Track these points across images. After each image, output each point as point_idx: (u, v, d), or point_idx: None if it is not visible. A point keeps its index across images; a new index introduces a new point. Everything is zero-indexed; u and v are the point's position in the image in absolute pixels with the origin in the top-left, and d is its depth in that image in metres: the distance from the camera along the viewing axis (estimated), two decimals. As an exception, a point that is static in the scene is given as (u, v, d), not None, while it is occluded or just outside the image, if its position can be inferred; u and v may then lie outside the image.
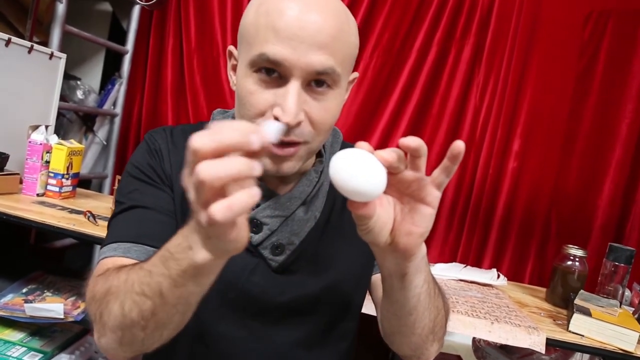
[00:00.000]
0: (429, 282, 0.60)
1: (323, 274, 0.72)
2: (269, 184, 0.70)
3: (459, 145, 0.47)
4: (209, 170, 0.36)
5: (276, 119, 0.59)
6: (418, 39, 1.97)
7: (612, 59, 1.85)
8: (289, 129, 0.59)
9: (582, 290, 1.24)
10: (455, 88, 1.97)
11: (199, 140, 0.37)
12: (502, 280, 1.40)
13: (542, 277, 1.90)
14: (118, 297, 0.52)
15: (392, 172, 0.48)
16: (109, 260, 0.63)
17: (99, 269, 0.62)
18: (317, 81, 0.60)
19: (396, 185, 0.51)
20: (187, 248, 0.45)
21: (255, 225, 0.68)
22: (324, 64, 0.59)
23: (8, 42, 1.38)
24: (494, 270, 1.47)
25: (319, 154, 0.76)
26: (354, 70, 0.69)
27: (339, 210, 0.75)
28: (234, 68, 0.69)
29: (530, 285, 1.66)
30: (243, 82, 0.62)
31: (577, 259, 1.30)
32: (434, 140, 1.98)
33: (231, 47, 0.69)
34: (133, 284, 0.51)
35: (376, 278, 0.77)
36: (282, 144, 0.61)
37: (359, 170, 0.45)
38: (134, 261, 0.61)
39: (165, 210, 0.67)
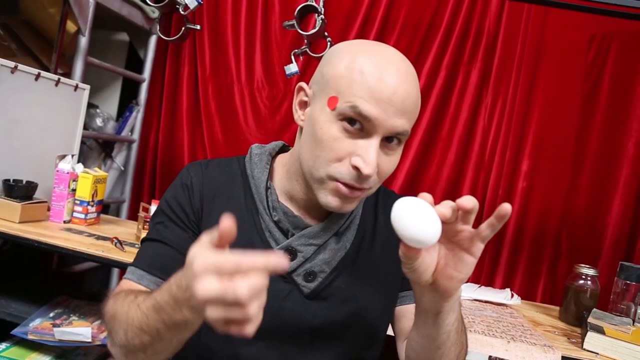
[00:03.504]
0: (459, 321, 0.65)
1: (351, 302, 0.76)
2: (304, 217, 0.76)
3: (506, 208, 0.52)
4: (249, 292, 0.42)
5: (355, 167, 0.65)
6: (427, 63, 2.03)
7: (617, 79, 1.90)
8: (364, 177, 0.65)
9: (595, 309, 1.27)
10: (464, 111, 2.02)
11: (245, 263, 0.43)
12: (516, 300, 1.43)
13: (554, 295, 1.92)
14: (122, 326, 0.62)
15: (444, 222, 0.53)
16: (126, 283, 0.74)
17: (119, 287, 0.73)
18: (389, 137, 0.67)
19: (446, 233, 0.55)
20: (178, 308, 0.52)
21: (290, 253, 0.73)
22: (404, 127, 0.66)
23: (37, 77, 1.46)
24: (508, 289, 1.49)
25: None
26: None
27: (368, 243, 0.80)
28: (302, 104, 0.74)
29: (543, 303, 1.68)
30: (327, 126, 0.67)
31: (589, 278, 1.33)
32: (444, 162, 2.03)
33: (303, 84, 0.74)
34: (133, 320, 0.60)
35: (399, 310, 0.82)
36: (353, 187, 0.67)
37: (419, 220, 0.51)
38: (143, 288, 0.72)
39: (180, 249, 0.73)
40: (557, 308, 1.44)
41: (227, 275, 0.43)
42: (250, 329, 0.44)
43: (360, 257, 0.78)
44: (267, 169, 0.79)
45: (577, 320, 1.32)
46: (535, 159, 1.96)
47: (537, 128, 1.96)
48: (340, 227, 0.77)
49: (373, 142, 0.65)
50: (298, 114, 0.74)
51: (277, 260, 0.44)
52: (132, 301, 0.63)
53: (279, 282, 0.73)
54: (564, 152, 1.95)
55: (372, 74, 0.64)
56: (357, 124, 0.65)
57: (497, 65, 1.98)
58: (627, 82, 1.89)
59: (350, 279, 0.76)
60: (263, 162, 0.80)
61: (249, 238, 0.75)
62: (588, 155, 1.94)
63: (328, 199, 0.69)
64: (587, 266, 1.34)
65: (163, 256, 0.74)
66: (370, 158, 0.64)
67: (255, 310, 0.44)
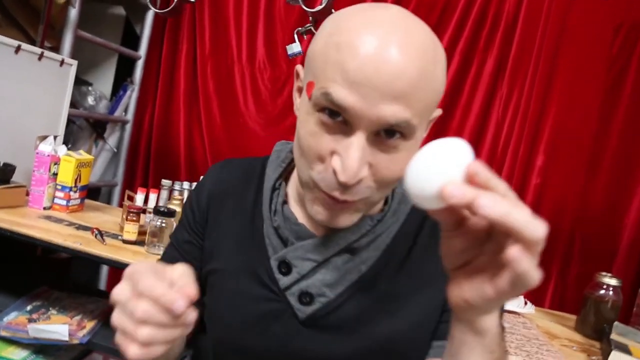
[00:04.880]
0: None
1: (356, 338, 0.60)
2: (311, 226, 0.62)
3: None
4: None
5: (334, 171, 0.51)
6: (440, 48, 1.90)
7: (643, 73, 1.77)
8: (344, 185, 0.51)
9: (617, 323, 1.16)
10: (477, 101, 1.90)
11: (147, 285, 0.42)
12: (530, 308, 1.33)
13: (564, 300, 1.83)
14: None
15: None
16: None
17: None
18: (388, 130, 0.50)
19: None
20: None
21: (284, 266, 0.61)
22: (398, 117, 0.48)
23: (18, 49, 1.34)
24: (521, 297, 1.39)
25: (385, 200, 0.64)
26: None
27: (394, 270, 0.62)
28: (299, 90, 0.60)
29: (553, 310, 1.58)
30: (305, 119, 0.53)
31: (610, 288, 1.23)
32: (454, 154, 1.91)
33: (298, 67, 0.60)
34: None
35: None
36: (335, 199, 0.53)
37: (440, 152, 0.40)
38: None
39: (183, 252, 0.71)
40: (573, 317, 1.34)
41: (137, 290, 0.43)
42: (132, 352, 0.42)
43: (380, 287, 0.61)
44: (282, 167, 0.67)
45: (595, 333, 1.22)
46: (550, 155, 1.85)
47: (554, 122, 1.84)
48: (352, 242, 0.60)
49: (355, 140, 0.49)
50: (296, 103, 0.61)
51: (173, 299, 0.41)
52: None
53: (269, 300, 0.61)
54: (581, 148, 1.83)
55: (350, 47, 0.48)
56: (339, 116, 0.50)
57: (514, 54, 1.85)
58: (654, 77, 1.76)
59: (361, 310, 0.60)
60: (279, 159, 0.68)
61: (248, 244, 0.64)
62: (607, 153, 1.82)
63: (314, 210, 0.55)
64: (609, 275, 1.24)
65: (171, 258, 0.71)
66: (349, 160, 0.49)
67: (142, 336, 0.41)
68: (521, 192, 1.87)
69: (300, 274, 0.60)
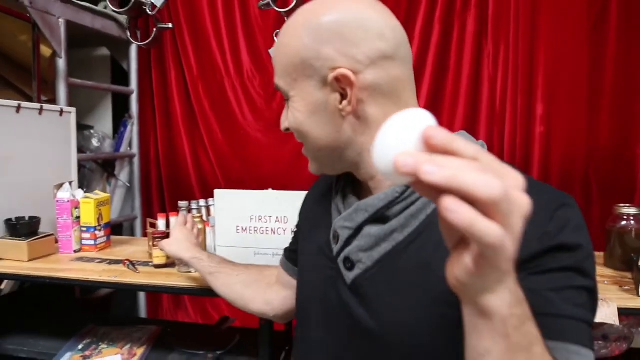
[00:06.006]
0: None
1: (387, 310, 0.60)
2: (357, 191, 0.69)
3: None
4: None
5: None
6: (418, 20, 1.92)
7: (626, -1, 1.76)
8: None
9: (643, 249, 1.18)
10: (466, 63, 1.91)
11: None
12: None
13: (592, 241, 1.82)
14: None
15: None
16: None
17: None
18: None
19: None
20: None
21: (335, 235, 0.67)
22: (277, 84, 0.66)
23: (18, 108, 1.39)
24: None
25: None
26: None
27: (437, 242, 0.53)
28: None
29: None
30: None
31: (631, 218, 1.23)
32: (454, 119, 1.93)
33: None
34: None
35: None
36: None
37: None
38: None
39: (293, 239, 0.90)
40: (601, 254, 1.35)
41: None
42: None
43: (413, 259, 0.59)
44: None
45: (624, 265, 1.23)
46: (549, 101, 1.85)
47: (546, 67, 1.84)
48: (381, 209, 0.61)
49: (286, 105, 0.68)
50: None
51: None
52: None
53: (328, 268, 0.68)
54: (578, 87, 1.83)
55: None
56: None
57: (493, 8, 1.86)
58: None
59: (394, 279, 0.60)
60: None
61: (322, 222, 0.73)
62: (605, 86, 1.82)
63: None
64: (627, 205, 1.25)
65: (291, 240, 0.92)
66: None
67: None
68: (528, 143, 1.88)
69: (342, 241, 0.65)
